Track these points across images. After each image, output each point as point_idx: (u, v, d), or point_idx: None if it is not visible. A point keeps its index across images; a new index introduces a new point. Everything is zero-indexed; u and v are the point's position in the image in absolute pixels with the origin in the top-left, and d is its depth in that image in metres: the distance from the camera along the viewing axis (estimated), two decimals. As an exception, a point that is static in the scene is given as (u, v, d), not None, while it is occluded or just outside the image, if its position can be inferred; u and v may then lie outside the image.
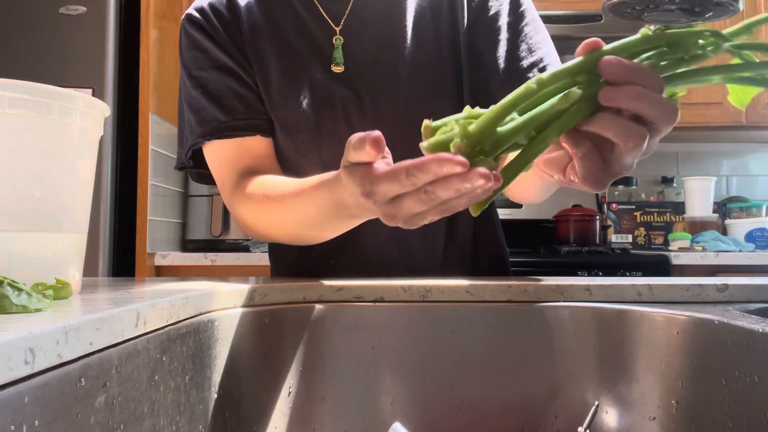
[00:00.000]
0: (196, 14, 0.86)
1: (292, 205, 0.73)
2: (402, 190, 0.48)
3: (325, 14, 0.84)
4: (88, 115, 0.45)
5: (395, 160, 0.81)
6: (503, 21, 0.81)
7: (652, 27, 0.46)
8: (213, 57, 0.84)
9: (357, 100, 0.82)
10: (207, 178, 0.89)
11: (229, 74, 0.83)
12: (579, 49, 0.46)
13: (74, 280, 0.45)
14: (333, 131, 0.82)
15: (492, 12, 0.82)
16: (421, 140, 0.83)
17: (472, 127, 0.44)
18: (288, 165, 0.85)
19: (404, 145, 0.84)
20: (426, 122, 0.48)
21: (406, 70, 0.82)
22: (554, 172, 0.51)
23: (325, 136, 0.82)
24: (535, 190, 0.77)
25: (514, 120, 0.44)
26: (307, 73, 0.83)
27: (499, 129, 0.44)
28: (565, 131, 0.45)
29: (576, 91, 0.43)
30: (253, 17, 0.85)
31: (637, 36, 0.45)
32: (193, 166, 0.87)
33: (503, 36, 0.81)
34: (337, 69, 0.83)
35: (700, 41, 0.44)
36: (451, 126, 0.46)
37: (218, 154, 0.84)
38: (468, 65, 0.83)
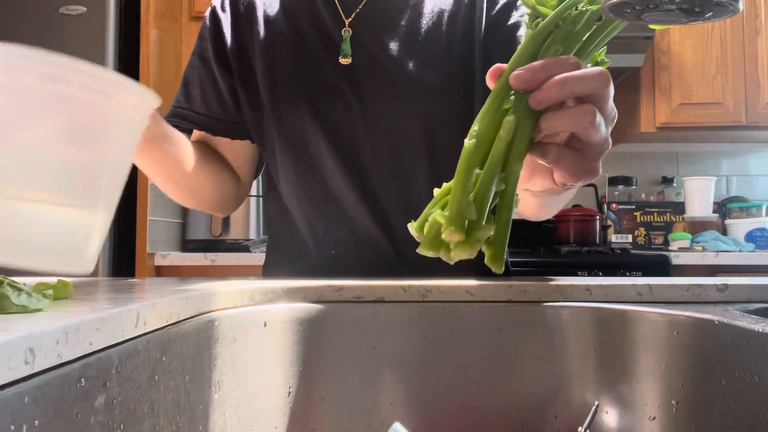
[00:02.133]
0: (217, 4, 0.91)
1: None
2: None
3: (338, 5, 0.86)
4: (137, 105, 0.45)
5: (391, 157, 0.83)
6: (522, 32, 0.81)
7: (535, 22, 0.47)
8: (203, 46, 0.90)
9: (359, 94, 0.83)
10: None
11: (205, 67, 0.89)
12: (488, 81, 0.46)
13: (92, 256, 0.45)
14: (332, 121, 0.83)
15: (511, 21, 0.82)
16: (417, 140, 0.84)
17: (448, 213, 0.44)
18: (283, 150, 0.86)
19: (401, 143, 0.84)
20: (409, 226, 0.48)
21: (411, 70, 0.82)
22: (545, 184, 0.51)
23: (323, 125, 0.83)
24: (539, 208, 0.76)
25: (479, 176, 0.44)
26: (315, 62, 0.85)
27: (471, 195, 0.44)
28: (524, 153, 0.45)
29: (509, 118, 0.44)
30: (271, 8, 0.88)
31: (525, 40, 0.46)
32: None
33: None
34: (345, 61, 0.84)
35: (577, 6, 0.45)
36: (431, 220, 0.46)
37: None
38: (481, 72, 0.84)
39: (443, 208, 0.46)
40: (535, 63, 0.44)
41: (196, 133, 0.92)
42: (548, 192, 0.54)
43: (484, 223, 0.44)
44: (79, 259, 0.42)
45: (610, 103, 0.46)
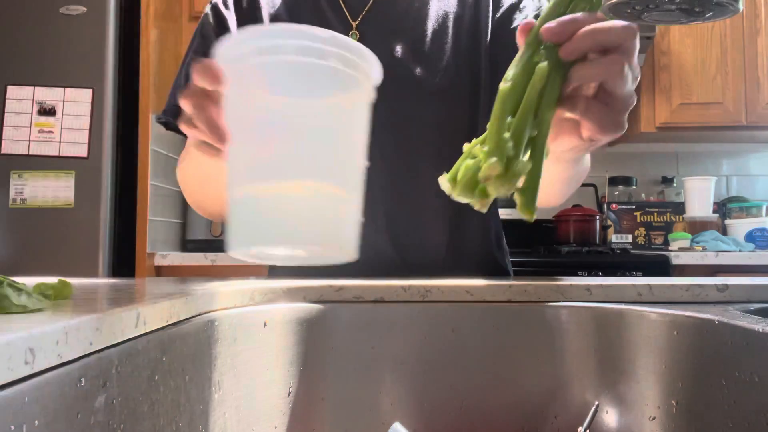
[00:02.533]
0: (218, 2, 0.87)
1: (195, 157, 0.76)
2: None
3: (344, 7, 0.85)
4: (370, 87, 0.45)
5: (396, 160, 0.82)
6: None
7: None
8: (208, 45, 0.85)
9: None
10: None
11: None
12: (518, 37, 0.48)
13: (356, 244, 0.44)
14: None
15: (514, 25, 0.82)
16: (423, 143, 0.84)
17: (487, 148, 0.45)
18: None
19: (408, 146, 0.84)
20: (440, 180, 0.49)
21: (419, 74, 0.82)
22: (572, 142, 0.51)
23: None
24: (559, 181, 0.75)
25: (511, 123, 0.45)
26: None
27: (506, 135, 0.44)
28: (555, 102, 0.46)
29: (542, 65, 0.45)
30: (273, 7, 0.86)
31: (551, 1, 0.48)
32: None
33: None
34: None
35: None
36: (466, 165, 0.47)
37: None
38: (488, 75, 0.83)
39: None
40: (564, 16, 0.45)
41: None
42: (575, 150, 0.54)
43: (521, 159, 0.45)
44: (349, 247, 0.42)
45: (636, 58, 0.47)
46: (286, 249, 0.42)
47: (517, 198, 0.47)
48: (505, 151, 0.44)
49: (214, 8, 0.87)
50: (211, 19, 0.87)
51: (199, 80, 0.46)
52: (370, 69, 0.43)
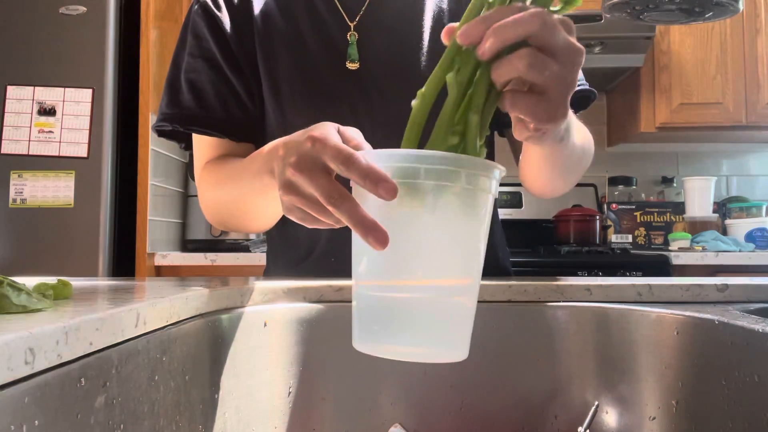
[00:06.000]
0: (208, 2, 0.85)
1: (231, 176, 0.74)
2: (323, 152, 0.47)
3: (341, 8, 0.84)
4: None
5: None
6: None
7: None
8: (204, 47, 0.84)
9: (366, 98, 0.82)
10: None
11: (215, 70, 0.83)
12: (442, 38, 0.47)
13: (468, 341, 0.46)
14: None
15: None
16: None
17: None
18: None
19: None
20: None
21: (419, 72, 0.82)
22: (523, 132, 0.51)
23: None
24: (553, 165, 0.73)
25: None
26: (318, 67, 0.83)
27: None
28: (482, 105, 0.45)
29: (449, 75, 0.45)
30: (266, 5, 0.85)
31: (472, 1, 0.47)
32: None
33: None
34: (353, 66, 0.82)
35: None
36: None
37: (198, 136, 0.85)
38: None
39: None
40: (475, 18, 0.44)
41: (215, 148, 0.86)
42: (531, 140, 0.53)
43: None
44: (464, 349, 0.44)
45: (557, 41, 0.45)
46: (411, 348, 0.43)
47: None
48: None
49: (204, 8, 0.85)
50: (201, 19, 0.85)
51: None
52: (494, 176, 0.44)
